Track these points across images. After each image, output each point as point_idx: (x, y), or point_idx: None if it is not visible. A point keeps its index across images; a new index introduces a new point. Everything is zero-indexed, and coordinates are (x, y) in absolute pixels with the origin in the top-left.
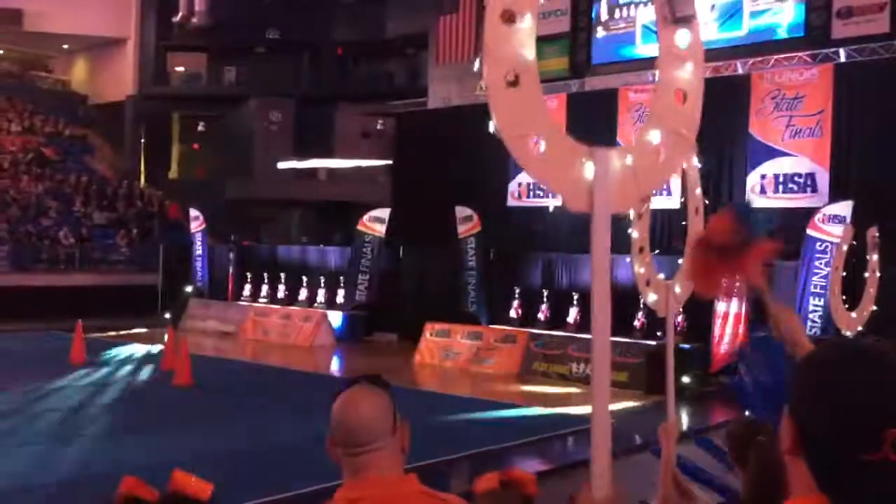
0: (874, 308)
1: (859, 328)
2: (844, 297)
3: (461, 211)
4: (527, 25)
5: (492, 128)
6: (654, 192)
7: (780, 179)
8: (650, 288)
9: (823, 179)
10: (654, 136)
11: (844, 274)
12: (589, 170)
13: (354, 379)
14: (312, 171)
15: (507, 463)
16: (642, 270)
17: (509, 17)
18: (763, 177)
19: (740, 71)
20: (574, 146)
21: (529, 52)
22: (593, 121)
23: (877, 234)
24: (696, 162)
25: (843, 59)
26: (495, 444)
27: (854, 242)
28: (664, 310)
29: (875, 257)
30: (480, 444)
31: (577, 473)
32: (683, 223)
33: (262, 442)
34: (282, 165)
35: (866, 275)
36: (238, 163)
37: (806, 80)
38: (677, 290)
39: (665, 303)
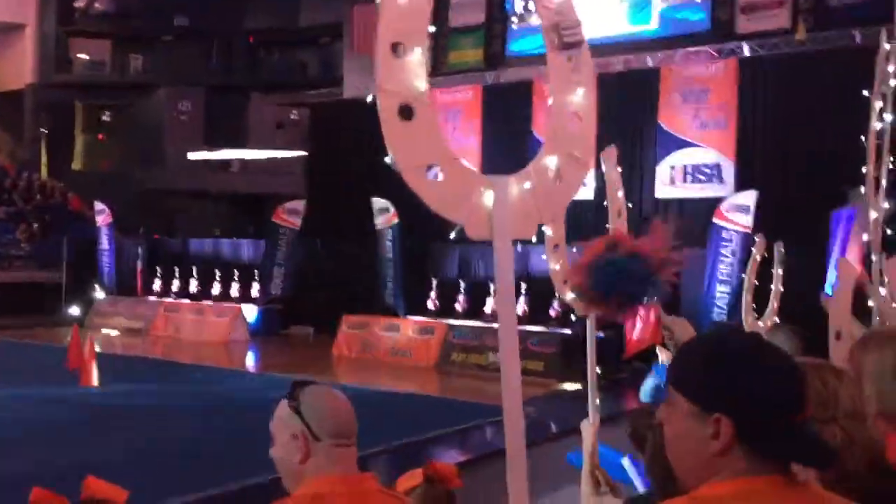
0: (776, 320)
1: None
2: (755, 306)
3: (378, 203)
4: (416, 58)
5: (388, 160)
6: (552, 217)
7: (689, 170)
8: (567, 286)
9: (729, 170)
10: (551, 161)
11: (757, 283)
12: (488, 198)
13: (303, 381)
14: (225, 163)
15: (427, 455)
16: (557, 268)
17: (399, 50)
18: (672, 167)
19: (650, 64)
20: (472, 175)
21: (421, 84)
22: (509, 112)
23: (783, 249)
24: (615, 166)
25: (746, 52)
26: (415, 436)
27: (766, 255)
28: (583, 309)
29: (780, 271)
30: (400, 437)
31: (498, 462)
32: (607, 226)
33: (176, 442)
34: (193, 156)
35: (772, 287)
36: (147, 153)
37: (712, 73)
38: None
39: (582, 305)
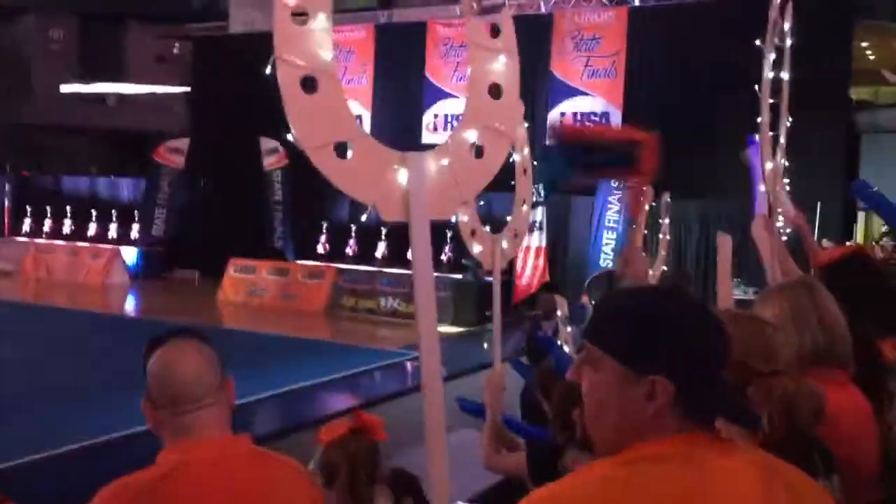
0: (664, 269)
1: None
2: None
3: (266, 143)
4: (321, 25)
5: (290, 137)
6: (475, 194)
7: (578, 118)
8: (475, 238)
9: (616, 118)
10: (471, 135)
11: (646, 232)
12: (403, 176)
13: (171, 332)
14: (101, 97)
15: (316, 400)
16: (465, 219)
17: (301, 17)
18: (563, 114)
19: (543, 10)
20: (384, 152)
21: (326, 53)
22: (402, 54)
23: (669, 199)
24: (522, 122)
25: (636, 2)
26: (305, 381)
27: (654, 203)
28: (490, 262)
29: (667, 221)
30: (290, 383)
31: (390, 406)
32: (512, 182)
33: (45, 391)
34: (65, 89)
35: (659, 236)
36: (13, 85)
37: (603, 21)
38: (504, 245)
39: (491, 255)
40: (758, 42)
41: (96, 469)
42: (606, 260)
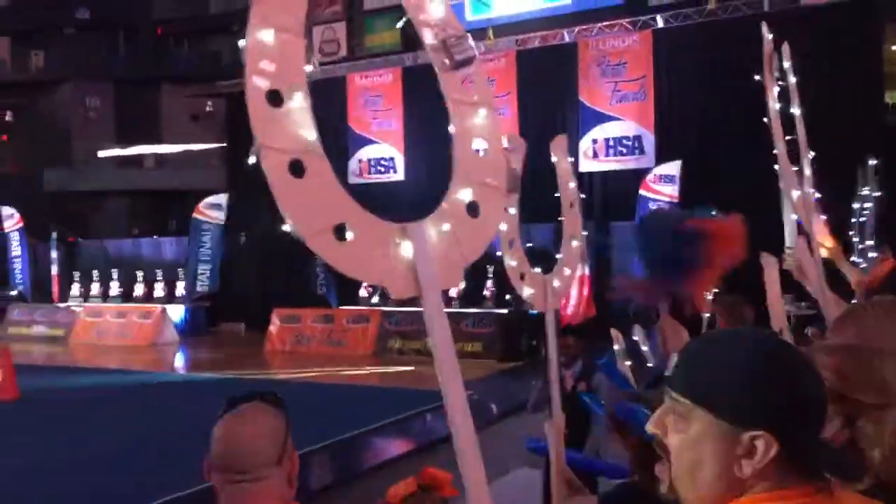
0: (715, 290)
1: (707, 315)
2: None
3: None
4: (298, 104)
5: (287, 228)
6: (478, 256)
7: (610, 143)
8: (525, 282)
9: (650, 141)
10: (466, 195)
11: None
12: (406, 249)
13: (247, 395)
14: (138, 159)
15: (369, 448)
16: (514, 264)
17: (276, 98)
18: (594, 141)
19: (567, 39)
20: (383, 227)
21: (309, 133)
22: (429, 93)
23: None
24: (566, 155)
25: (660, 24)
26: (357, 428)
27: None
28: (542, 305)
29: None
30: (342, 431)
31: (443, 450)
32: (559, 218)
33: (107, 452)
34: (103, 154)
35: None
36: (54, 153)
37: (627, 46)
38: (556, 284)
39: (542, 297)
40: (757, 77)
41: None
42: None
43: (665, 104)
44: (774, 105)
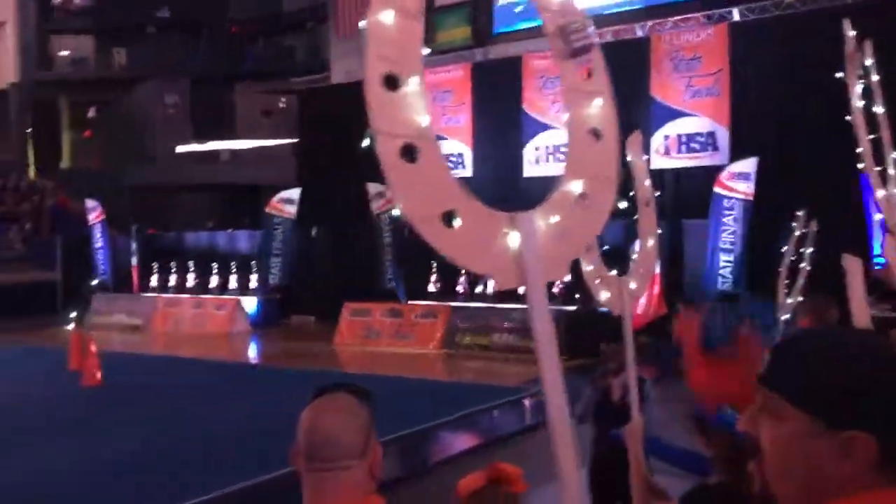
0: (800, 298)
1: (787, 315)
2: (788, 282)
3: (373, 187)
4: (414, 89)
5: (396, 212)
6: (585, 250)
7: (683, 139)
8: (602, 285)
9: (724, 137)
10: (577, 186)
11: (793, 258)
12: (514, 240)
13: (335, 386)
14: (214, 154)
15: (437, 441)
16: (591, 268)
17: (393, 82)
18: (666, 137)
19: (639, 34)
20: (493, 216)
21: (423, 118)
22: (498, 89)
23: (816, 229)
24: (641, 153)
25: (736, 18)
26: (424, 423)
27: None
28: (619, 308)
29: (810, 250)
30: (409, 425)
31: (513, 444)
32: (634, 217)
33: (185, 438)
34: (181, 149)
35: (802, 266)
36: (135, 148)
37: (702, 40)
38: (632, 286)
39: (619, 300)
40: (839, 74)
41: None
42: (725, 283)
43: (740, 99)
44: (857, 103)
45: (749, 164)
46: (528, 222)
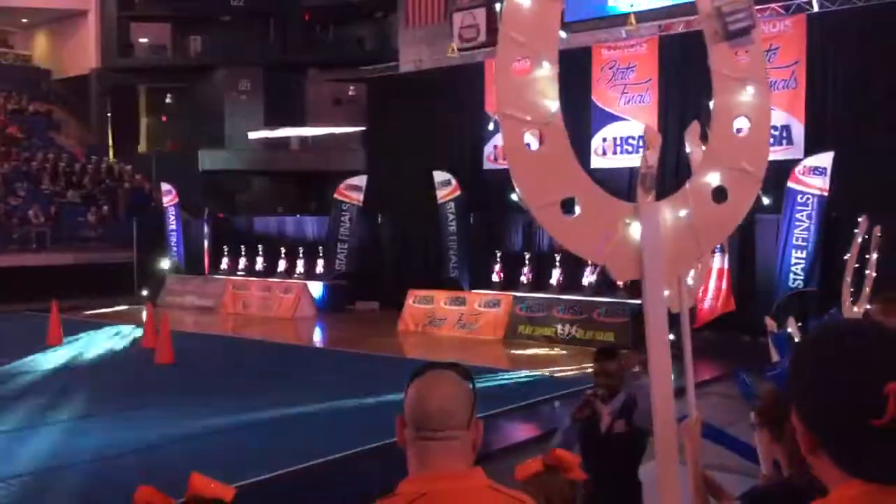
0: (868, 306)
1: None
2: (853, 289)
3: (439, 175)
4: (546, 73)
5: (515, 197)
6: (716, 246)
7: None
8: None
9: (799, 131)
10: (714, 178)
11: (857, 265)
12: (635, 230)
13: (436, 364)
14: (285, 141)
15: (497, 431)
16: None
17: (524, 65)
18: (738, 130)
19: None
20: (615, 204)
21: (552, 104)
22: (567, 79)
23: (879, 234)
24: (699, 144)
25: (816, 8)
26: (484, 411)
27: (866, 236)
28: (677, 305)
29: (875, 256)
30: None
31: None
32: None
33: (256, 417)
34: (253, 136)
35: (867, 272)
36: (208, 134)
37: (779, 31)
38: (689, 282)
39: (678, 298)
40: None
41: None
42: (797, 280)
43: (818, 92)
44: None
45: (825, 159)
46: (653, 213)
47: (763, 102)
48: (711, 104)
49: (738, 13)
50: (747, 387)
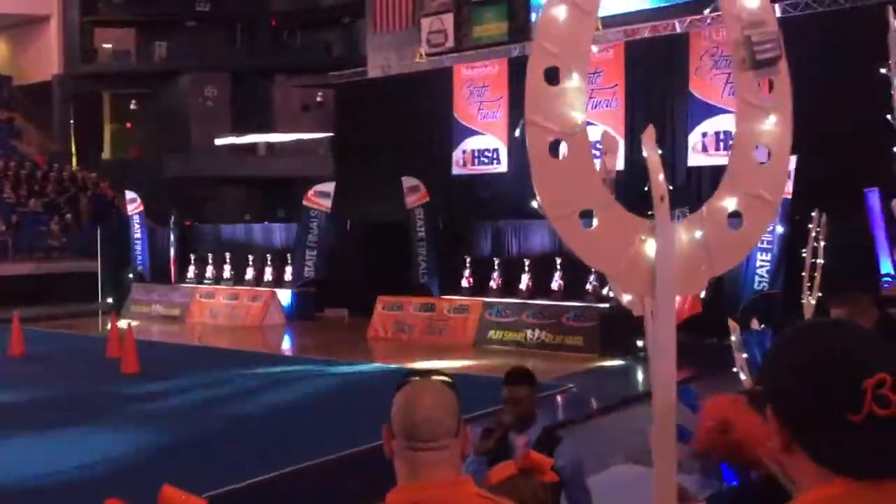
0: (819, 294)
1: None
2: (809, 284)
3: (407, 181)
4: (575, 84)
5: (535, 204)
6: (727, 270)
7: (721, 137)
8: (624, 288)
9: None
10: (730, 203)
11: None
12: (650, 247)
13: (424, 371)
14: (252, 147)
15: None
16: None
17: (553, 77)
18: (704, 135)
19: (678, 30)
20: (631, 221)
21: (578, 114)
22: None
23: (826, 222)
24: (655, 147)
25: (778, 13)
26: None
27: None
28: (640, 309)
29: (822, 244)
30: None
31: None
32: (649, 213)
33: (220, 427)
34: (219, 142)
35: (816, 261)
36: (174, 140)
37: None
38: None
39: (640, 302)
40: (883, 70)
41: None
42: (762, 282)
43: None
44: None
45: (790, 161)
46: (668, 232)
47: (784, 133)
48: (733, 130)
49: (766, 43)
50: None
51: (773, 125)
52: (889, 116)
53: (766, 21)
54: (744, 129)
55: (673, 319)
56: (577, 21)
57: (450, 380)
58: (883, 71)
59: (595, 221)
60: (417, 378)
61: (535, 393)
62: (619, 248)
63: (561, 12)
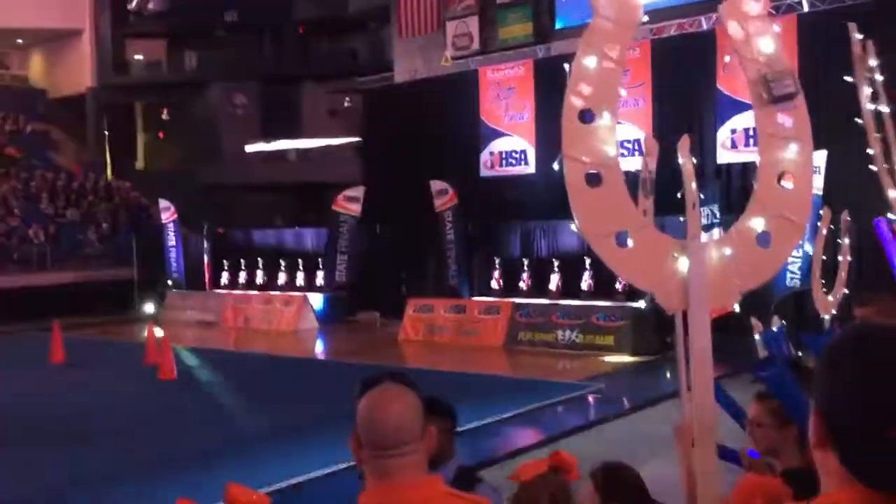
0: (845, 291)
1: (833, 311)
2: (824, 281)
3: (436, 184)
4: (606, 123)
5: (574, 227)
6: (757, 286)
7: (750, 133)
8: None
9: None
10: (758, 224)
11: (824, 258)
12: (683, 265)
13: (383, 375)
14: (281, 153)
15: (499, 437)
16: None
17: (586, 117)
18: (733, 131)
19: (704, 27)
20: (664, 240)
21: (610, 149)
22: (562, 86)
23: (849, 218)
24: (690, 156)
25: (806, 8)
26: (487, 418)
27: (832, 227)
28: (672, 306)
29: (847, 241)
30: (471, 420)
31: (576, 440)
32: (681, 219)
33: (258, 431)
34: (250, 149)
35: (839, 258)
36: (205, 149)
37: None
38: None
39: (670, 299)
40: (849, 78)
41: None
42: (794, 279)
43: (812, 92)
44: (868, 106)
45: (819, 157)
46: (699, 250)
47: (806, 159)
48: (757, 160)
49: (783, 80)
50: (727, 401)
51: (794, 153)
52: (859, 121)
53: (781, 61)
54: (766, 158)
55: (708, 331)
56: (607, 72)
57: (408, 379)
58: (849, 79)
59: (630, 242)
60: (378, 387)
61: (449, 427)
62: (653, 265)
63: (592, 62)
